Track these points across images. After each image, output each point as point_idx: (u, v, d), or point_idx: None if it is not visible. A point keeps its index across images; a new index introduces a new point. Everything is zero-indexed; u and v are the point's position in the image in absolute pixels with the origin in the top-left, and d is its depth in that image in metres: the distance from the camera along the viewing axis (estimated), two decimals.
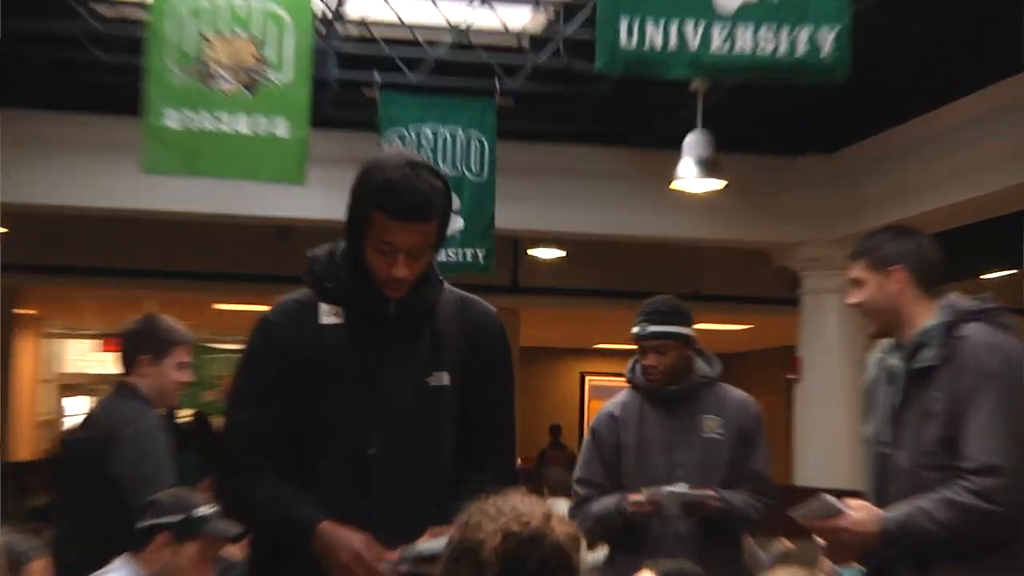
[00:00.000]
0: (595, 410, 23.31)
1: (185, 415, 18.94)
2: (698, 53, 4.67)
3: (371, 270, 3.32)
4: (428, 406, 3.40)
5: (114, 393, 5.21)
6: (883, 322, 4.10)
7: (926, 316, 3.96)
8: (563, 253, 13.45)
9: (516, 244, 13.42)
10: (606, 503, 5.09)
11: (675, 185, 9.05)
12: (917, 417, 3.87)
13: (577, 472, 5.40)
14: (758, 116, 10.01)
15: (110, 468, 4.68)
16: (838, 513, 3.78)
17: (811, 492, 4.06)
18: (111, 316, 21.37)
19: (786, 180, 11.16)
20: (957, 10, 7.37)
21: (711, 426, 5.17)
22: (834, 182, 11.09)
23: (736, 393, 5.41)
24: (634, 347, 5.26)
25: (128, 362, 5.08)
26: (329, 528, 3.16)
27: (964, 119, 9.28)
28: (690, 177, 8.85)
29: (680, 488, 4.91)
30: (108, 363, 25.54)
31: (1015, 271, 12.85)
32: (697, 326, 5.18)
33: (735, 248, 11.79)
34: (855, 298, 4.17)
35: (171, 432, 16.82)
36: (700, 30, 4.70)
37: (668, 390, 5.23)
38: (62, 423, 19.89)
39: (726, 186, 9.07)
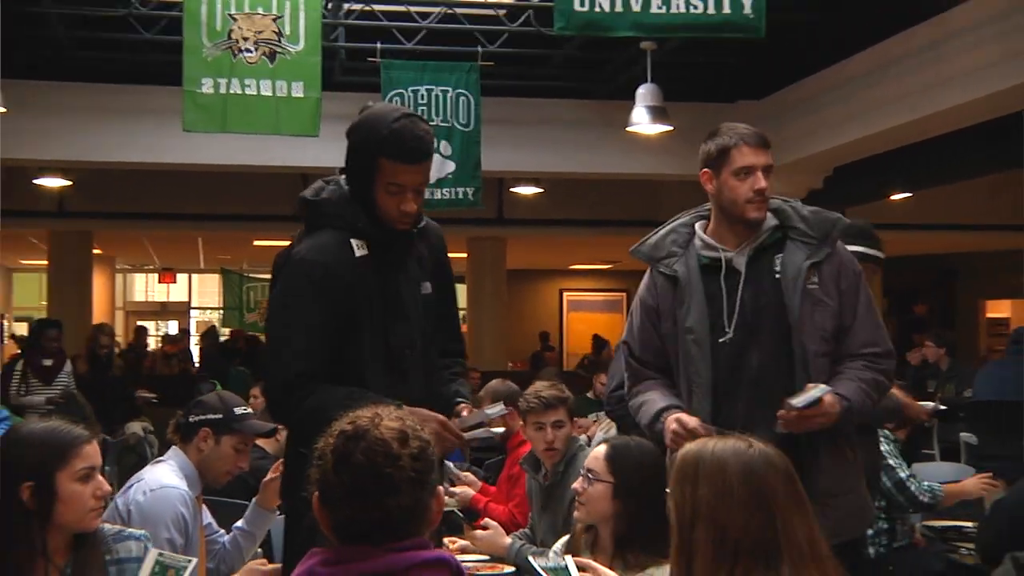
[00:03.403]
0: (573, 320, 23.48)
1: (231, 335, 19.10)
2: (640, 15, 4.60)
3: (381, 209, 3.37)
4: (425, 309, 3.54)
5: None
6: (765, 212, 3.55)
7: None
8: (540, 189, 13.45)
9: (500, 183, 13.41)
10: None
11: (631, 129, 9.07)
12: (803, 308, 3.44)
13: None
14: (698, 69, 9.99)
15: None
16: (819, 403, 3.30)
17: None
18: (169, 253, 21.50)
19: (724, 121, 11.08)
20: None
21: None
22: (762, 123, 10.91)
23: None
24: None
25: None
26: (410, 408, 3.02)
27: (864, 68, 9.27)
28: (643, 123, 8.92)
29: None
30: (167, 292, 25.57)
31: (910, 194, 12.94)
32: None
33: (682, 181, 11.76)
34: (768, 183, 3.56)
35: (220, 350, 16.94)
36: None
37: None
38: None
39: (673, 129, 9.07)
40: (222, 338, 18.72)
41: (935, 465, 7.99)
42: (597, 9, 4.57)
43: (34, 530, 2.81)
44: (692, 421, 3.32)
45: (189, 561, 2.61)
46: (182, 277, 26.16)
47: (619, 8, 4.55)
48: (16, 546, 2.74)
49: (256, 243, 17.78)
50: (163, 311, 27.08)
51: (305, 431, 2.86)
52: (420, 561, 2.01)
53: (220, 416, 4.12)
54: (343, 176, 3.49)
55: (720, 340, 3.46)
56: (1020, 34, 7.47)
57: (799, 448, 3.30)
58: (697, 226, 3.63)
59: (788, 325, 3.45)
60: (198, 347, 19.52)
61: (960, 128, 9.13)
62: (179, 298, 27.14)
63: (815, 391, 3.28)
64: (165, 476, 3.99)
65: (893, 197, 13.10)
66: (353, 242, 3.40)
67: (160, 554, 2.57)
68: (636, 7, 4.57)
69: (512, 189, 13.58)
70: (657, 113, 8.82)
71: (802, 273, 3.45)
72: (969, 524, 5.62)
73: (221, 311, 20.37)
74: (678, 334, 3.51)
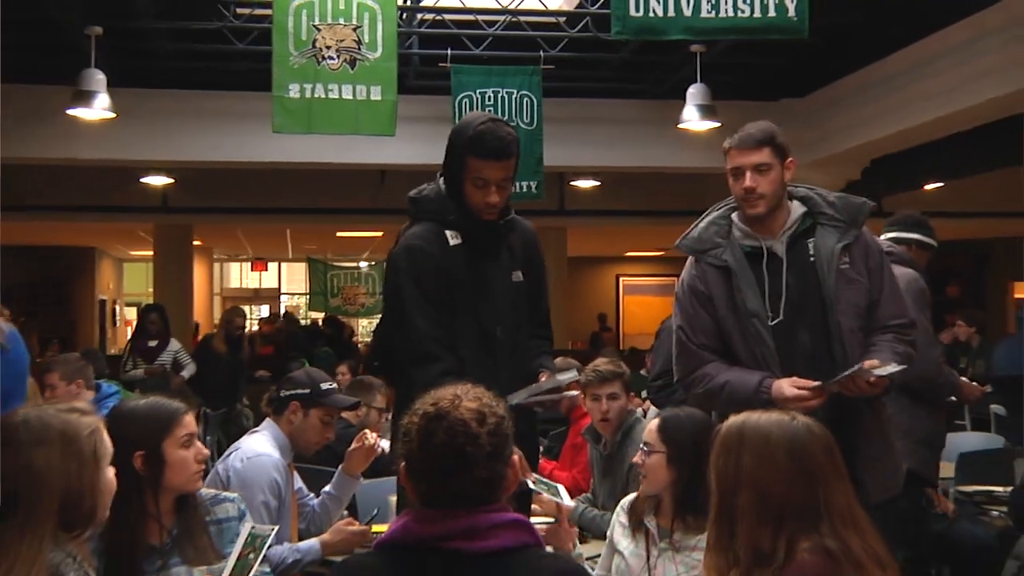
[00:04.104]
0: (628, 303, 23.34)
1: (316, 317, 19.31)
2: (690, 19, 4.56)
3: (469, 202, 3.53)
4: (515, 296, 3.67)
5: None
6: (770, 207, 3.50)
7: (789, 205, 3.56)
8: (598, 183, 13.40)
9: (561, 177, 13.36)
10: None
11: (682, 126, 9.02)
12: (838, 288, 3.43)
13: None
14: (744, 69, 9.89)
15: None
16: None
17: None
18: (260, 244, 21.73)
19: (768, 119, 10.96)
20: None
21: None
22: (806, 119, 10.91)
23: None
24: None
25: None
26: None
27: (900, 67, 9.12)
28: (693, 120, 8.87)
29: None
30: (259, 280, 25.77)
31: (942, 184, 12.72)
32: None
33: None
34: (758, 181, 3.48)
35: (307, 332, 17.01)
36: (692, 1, 4.59)
37: None
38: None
39: (721, 126, 8.98)
40: (303, 321, 18.91)
41: (966, 435, 7.90)
42: (651, 14, 4.54)
43: (146, 494, 2.86)
44: (810, 382, 3.27)
45: (273, 528, 2.67)
46: (272, 266, 26.42)
47: (671, 13, 4.51)
48: (131, 509, 2.79)
49: (339, 234, 17.92)
50: (255, 297, 27.38)
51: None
52: (499, 522, 2.03)
53: (308, 391, 4.16)
54: (441, 176, 3.64)
55: (771, 323, 3.43)
56: None
57: (845, 417, 3.31)
58: (734, 216, 3.60)
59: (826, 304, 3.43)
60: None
61: (988, 122, 8.98)
62: (270, 285, 27.42)
63: (874, 367, 3.25)
64: (260, 445, 4.04)
65: (927, 187, 12.88)
66: (448, 233, 3.57)
67: (253, 526, 2.63)
68: (687, 11, 4.53)
69: (572, 183, 13.54)
70: (706, 111, 8.77)
71: (835, 255, 3.45)
72: (999, 488, 5.55)
73: (308, 296, 20.55)
74: (739, 318, 3.47)
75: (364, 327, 25.73)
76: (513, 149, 3.54)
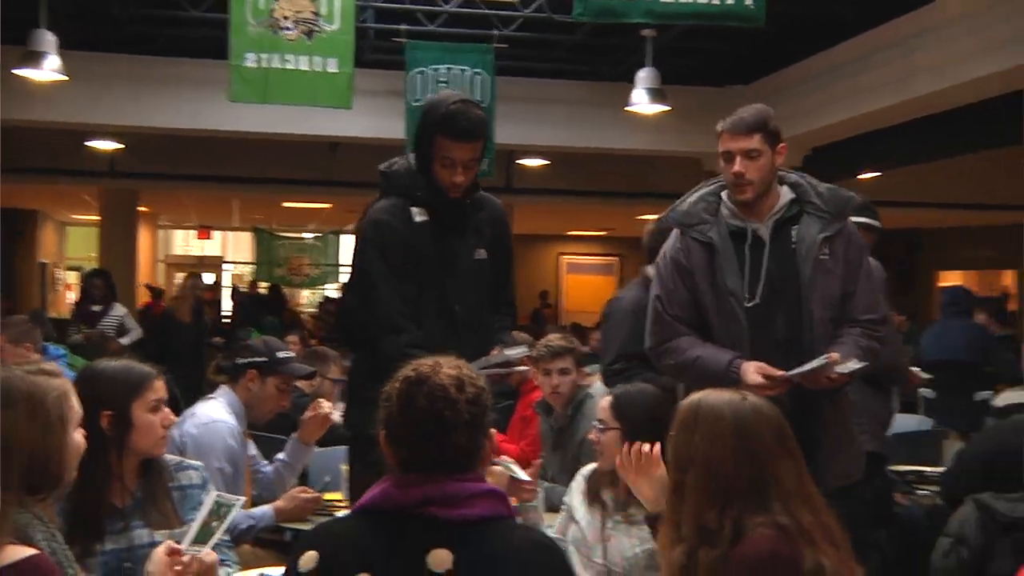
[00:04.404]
0: (569, 282, 23.37)
1: (262, 288, 19.14)
2: (651, 3, 4.56)
3: (437, 180, 3.55)
4: (478, 272, 3.67)
5: None
6: (758, 192, 3.48)
7: (779, 190, 3.55)
8: (547, 162, 13.39)
9: (510, 155, 13.34)
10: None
11: (630, 109, 9.01)
12: (815, 277, 3.44)
13: None
14: (695, 55, 9.93)
15: None
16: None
17: None
18: (207, 212, 21.46)
19: (714, 105, 10.89)
20: None
21: None
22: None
23: None
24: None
25: None
26: None
27: (845, 57, 9.24)
28: (642, 103, 8.88)
29: None
30: (203, 247, 25.49)
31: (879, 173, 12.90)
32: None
33: (675, 157, 11.73)
34: (747, 166, 3.47)
35: (254, 302, 16.89)
36: None
37: None
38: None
39: (669, 110, 9.04)
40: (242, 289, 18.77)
41: (899, 417, 8.05)
42: None
43: (111, 455, 2.83)
44: (777, 372, 3.28)
45: (239, 500, 2.65)
46: (216, 234, 26.13)
47: None
48: (98, 469, 2.76)
49: (285, 204, 17.75)
50: (200, 264, 27.06)
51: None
52: (476, 492, 2.04)
53: (266, 359, 4.15)
54: (412, 152, 3.67)
55: (748, 304, 3.44)
56: (987, 30, 7.45)
57: (807, 408, 3.34)
58: (723, 195, 3.58)
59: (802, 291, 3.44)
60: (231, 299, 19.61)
61: (928, 115, 9.12)
62: (213, 253, 27.12)
63: (835, 362, 3.28)
64: (215, 411, 4.01)
65: (862, 176, 13.05)
66: (414, 209, 3.59)
67: (219, 495, 2.61)
68: None
69: (520, 161, 13.52)
70: (655, 95, 8.80)
71: (816, 244, 3.45)
72: (929, 468, 5.69)
73: (254, 266, 20.36)
74: (717, 295, 3.48)
75: (307, 297, 25.56)
76: (481, 131, 3.58)
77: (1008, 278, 18.98)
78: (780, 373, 3.28)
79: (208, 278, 24.89)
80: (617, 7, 4.49)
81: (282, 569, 2.72)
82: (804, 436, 2.74)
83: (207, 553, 2.52)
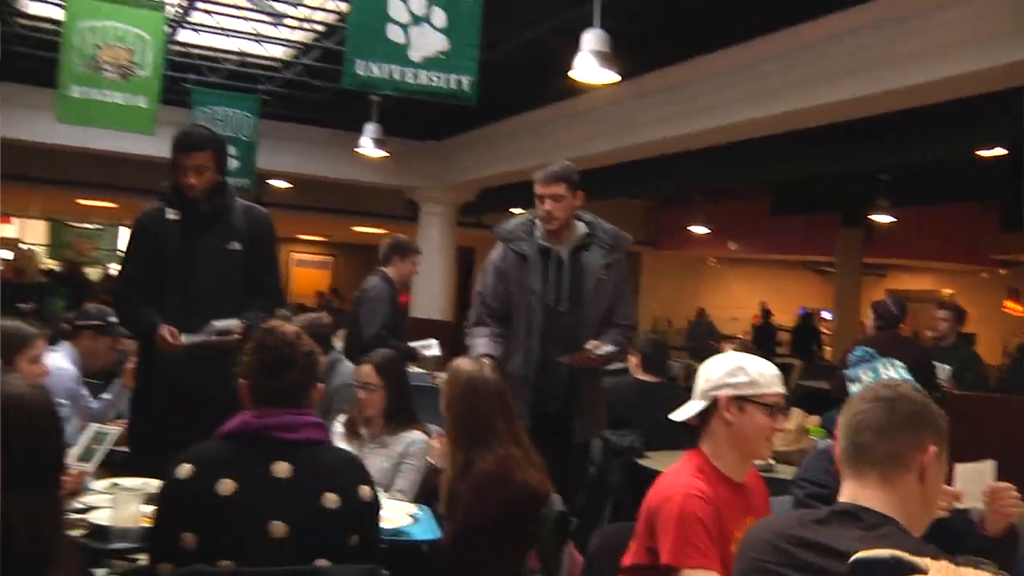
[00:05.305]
0: (297, 273, 22.26)
1: (57, 266, 17.32)
2: (398, 81, 4.62)
3: (179, 184, 3.36)
4: (227, 262, 3.40)
5: None
6: (561, 225, 3.45)
7: (576, 225, 3.53)
8: (291, 185, 13.03)
9: (263, 178, 12.85)
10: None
11: (358, 151, 8.81)
12: (595, 291, 3.45)
13: None
14: (410, 115, 9.95)
15: None
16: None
17: None
18: (9, 202, 19.05)
19: (416, 153, 11.22)
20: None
21: None
22: (441, 156, 11.26)
23: None
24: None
25: None
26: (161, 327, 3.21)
27: (506, 130, 9.53)
28: (368, 148, 8.61)
29: None
30: (3, 230, 22.29)
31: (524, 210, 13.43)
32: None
33: (389, 188, 11.80)
34: (554, 207, 3.42)
35: (53, 279, 15.18)
36: (400, 71, 4.64)
37: None
38: None
39: (387, 156, 9.05)
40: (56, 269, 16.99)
41: None
42: (371, 74, 4.56)
43: None
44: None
45: (115, 429, 2.51)
46: (16, 219, 23.33)
47: (386, 76, 4.57)
48: None
49: (78, 201, 16.16)
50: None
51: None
52: (308, 422, 2.04)
53: (100, 322, 3.88)
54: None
55: (548, 304, 3.46)
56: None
57: (575, 385, 3.45)
58: (536, 222, 3.54)
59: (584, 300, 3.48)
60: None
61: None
62: (11, 236, 24.15)
63: (596, 348, 3.38)
64: (60, 361, 3.72)
65: (513, 210, 13.55)
66: (168, 209, 3.36)
67: (98, 427, 2.45)
68: (397, 76, 4.59)
69: (269, 181, 13.06)
70: (377, 143, 8.63)
71: (598, 268, 3.48)
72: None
73: (48, 248, 18.51)
74: (523, 295, 3.46)
75: (91, 274, 23.41)
76: (201, 144, 3.32)
77: None
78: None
79: (7, 255, 22.24)
80: (375, 82, 4.54)
81: (132, 480, 2.60)
82: (572, 404, 2.98)
83: (89, 466, 2.38)
